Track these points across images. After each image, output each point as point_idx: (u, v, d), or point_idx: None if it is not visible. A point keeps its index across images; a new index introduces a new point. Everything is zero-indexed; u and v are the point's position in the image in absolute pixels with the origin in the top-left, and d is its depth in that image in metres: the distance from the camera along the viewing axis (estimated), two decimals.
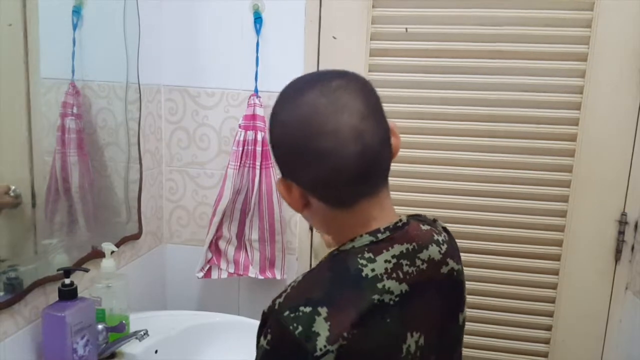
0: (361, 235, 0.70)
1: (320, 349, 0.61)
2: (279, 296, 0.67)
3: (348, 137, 0.64)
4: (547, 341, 1.53)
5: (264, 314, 0.68)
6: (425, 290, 0.71)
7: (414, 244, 0.72)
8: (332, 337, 0.61)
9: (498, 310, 1.54)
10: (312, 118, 0.65)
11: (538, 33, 1.40)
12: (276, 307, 0.66)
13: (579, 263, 1.48)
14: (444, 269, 0.75)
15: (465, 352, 1.56)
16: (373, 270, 0.67)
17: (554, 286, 1.50)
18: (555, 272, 1.50)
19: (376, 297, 0.65)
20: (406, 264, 0.70)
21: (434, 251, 0.74)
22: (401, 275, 0.68)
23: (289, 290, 0.68)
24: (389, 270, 0.67)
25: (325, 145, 0.64)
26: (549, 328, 1.53)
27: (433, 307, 0.73)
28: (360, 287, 0.65)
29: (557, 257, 1.49)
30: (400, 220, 0.73)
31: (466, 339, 1.54)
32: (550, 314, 1.52)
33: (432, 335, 0.72)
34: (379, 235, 0.70)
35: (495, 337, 1.55)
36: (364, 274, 0.66)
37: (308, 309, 0.63)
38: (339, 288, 0.65)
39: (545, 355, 1.54)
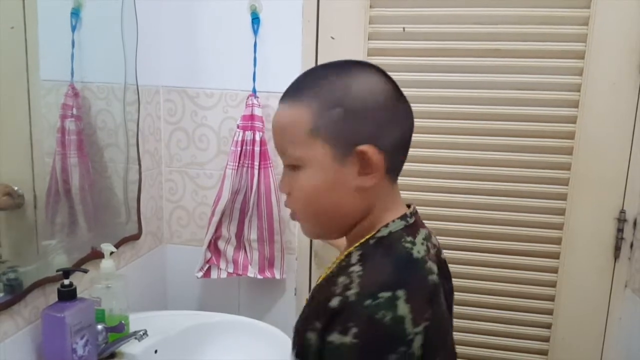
0: (393, 221, 0.72)
1: (409, 333, 0.62)
2: (346, 289, 0.65)
3: (410, 107, 0.74)
4: (546, 339, 1.53)
5: (330, 309, 0.64)
6: (440, 273, 0.74)
7: (426, 229, 0.77)
8: (416, 319, 0.63)
9: (497, 308, 1.54)
10: (391, 83, 0.72)
11: (535, 31, 1.40)
12: (351, 299, 0.63)
13: (578, 261, 1.48)
14: (442, 256, 0.80)
15: (465, 350, 1.58)
16: (418, 252, 0.70)
17: (553, 284, 1.50)
18: (555, 270, 1.50)
19: (430, 277, 0.69)
20: (430, 247, 0.74)
21: (435, 238, 0.79)
22: (431, 256, 0.72)
23: (356, 281, 0.65)
24: (425, 252, 0.71)
25: (404, 107, 0.72)
26: (548, 326, 1.53)
27: (446, 289, 0.76)
28: (419, 268, 0.69)
29: (556, 255, 1.49)
30: (413, 206, 0.78)
31: (466, 337, 1.55)
32: (549, 312, 1.52)
33: (451, 317, 0.78)
34: (408, 219, 0.74)
35: (494, 335, 1.55)
36: (414, 256, 0.69)
37: (387, 294, 0.62)
38: (405, 270, 0.67)
39: (545, 353, 1.54)
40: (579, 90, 1.41)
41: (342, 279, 0.67)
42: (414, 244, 0.70)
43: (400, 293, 0.63)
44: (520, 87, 1.43)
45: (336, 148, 0.69)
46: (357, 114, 0.68)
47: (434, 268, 0.71)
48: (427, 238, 0.75)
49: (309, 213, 0.75)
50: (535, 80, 1.42)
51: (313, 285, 1.60)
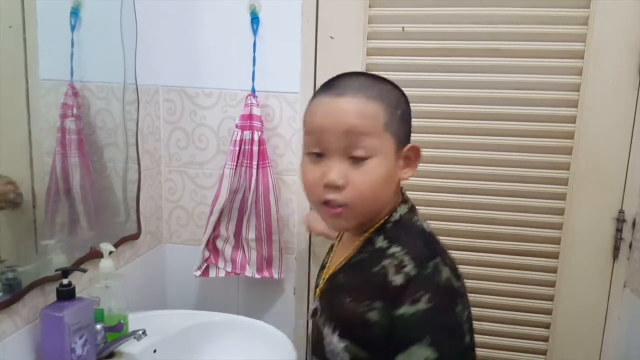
0: (398, 206, 0.85)
1: (458, 287, 0.77)
2: (401, 268, 0.75)
3: None
4: (545, 339, 1.53)
5: (395, 288, 0.74)
6: None
7: None
8: (455, 275, 0.77)
9: (496, 308, 1.54)
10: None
11: (535, 31, 1.40)
12: (412, 273, 0.74)
13: (577, 261, 1.48)
14: None
15: None
16: (428, 226, 0.85)
17: (552, 284, 1.50)
18: (554, 270, 1.50)
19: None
20: None
21: None
22: None
23: (407, 258, 0.76)
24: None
25: None
26: (547, 326, 1.53)
27: None
28: (435, 238, 0.83)
29: (555, 255, 1.49)
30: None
31: None
32: (548, 312, 1.52)
33: None
34: (409, 203, 0.87)
35: (493, 335, 1.55)
36: (427, 230, 0.84)
37: (433, 262, 0.75)
38: (430, 242, 0.81)
39: (544, 352, 1.54)
40: (578, 90, 1.41)
41: (387, 262, 0.77)
42: (421, 221, 0.85)
43: (438, 259, 0.76)
44: (520, 86, 1.43)
45: (396, 143, 0.81)
46: (408, 116, 0.84)
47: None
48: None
49: (365, 202, 0.80)
50: (534, 80, 1.42)
51: (312, 284, 1.61)
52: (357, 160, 0.78)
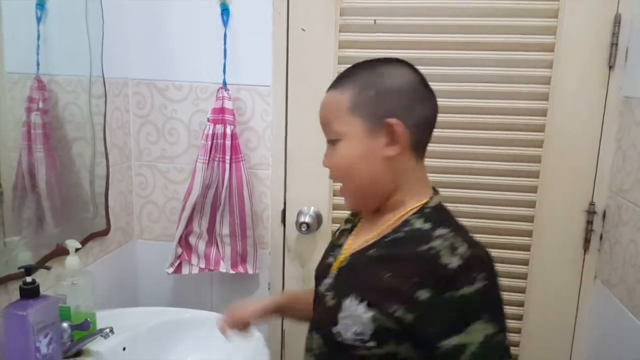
0: (431, 197, 0.88)
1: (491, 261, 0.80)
2: (454, 250, 0.77)
3: (434, 95, 0.88)
4: (517, 331, 1.55)
5: (451, 270, 0.76)
6: None
7: None
8: (489, 264, 0.80)
9: None
10: (419, 74, 0.87)
11: (506, 23, 1.41)
12: (467, 255, 0.77)
13: (548, 253, 1.49)
14: None
15: None
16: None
17: (524, 276, 1.52)
18: (525, 263, 1.51)
19: None
20: None
21: None
22: None
23: (459, 240, 0.79)
24: None
25: (429, 92, 0.87)
26: (519, 318, 1.54)
27: None
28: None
29: (526, 247, 1.50)
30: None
31: None
32: (520, 304, 1.53)
33: None
34: (439, 195, 0.91)
35: None
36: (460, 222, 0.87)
37: (475, 242, 0.80)
38: (466, 233, 0.83)
39: (517, 344, 1.55)
40: (549, 83, 1.42)
41: (437, 243, 0.79)
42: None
43: (472, 244, 0.80)
44: (491, 79, 1.44)
45: (369, 123, 0.83)
46: (387, 94, 0.83)
47: None
48: None
49: (349, 182, 0.89)
50: (505, 73, 1.43)
51: (287, 279, 1.60)
52: (332, 144, 0.87)
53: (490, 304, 0.77)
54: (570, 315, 1.52)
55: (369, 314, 0.80)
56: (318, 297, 0.95)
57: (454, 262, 0.76)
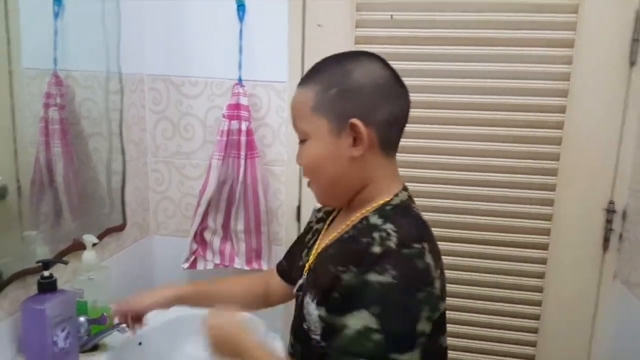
0: (400, 192, 0.87)
1: (434, 276, 0.77)
2: (385, 240, 0.77)
3: (407, 92, 0.87)
4: (535, 330, 1.53)
5: (371, 255, 0.77)
6: None
7: None
8: (435, 266, 0.78)
9: (486, 299, 1.53)
10: (389, 70, 0.84)
11: (524, 19, 1.39)
12: (392, 247, 0.76)
13: (566, 252, 1.47)
14: None
15: (455, 341, 1.57)
16: (422, 215, 0.86)
17: (541, 275, 1.50)
18: (543, 262, 1.49)
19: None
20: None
21: None
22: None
23: (394, 234, 0.78)
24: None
25: (400, 89, 0.85)
26: (537, 317, 1.52)
27: None
28: (429, 228, 0.84)
29: (544, 247, 1.48)
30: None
31: (454, 328, 1.55)
32: (538, 304, 1.51)
33: None
34: (408, 191, 0.89)
35: (480, 326, 1.55)
36: (423, 219, 0.85)
37: (419, 245, 0.77)
38: (423, 229, 0.82)
39: (534, 344, 1.54)
40: (567, 80, 1.39)
41: (376, 234, 0.79)
42: (418, 209, 0.87)
43: (426, 245, 0.78)
44: (509, 76, 1.42)
45: (332, 123, 0.82)
46: (350, 93, 0.81)
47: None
48: None
49: (316, 180, 0.89)
50: (523, 69, 1.41)
51: None
52: (301, 142, 0.87)
53: (385, 302, 0.74)
54: (589, 316, 1.50)
55: (317, 312, 0.83)
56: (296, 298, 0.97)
57: (377, 249, 0.77)
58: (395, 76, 0.85)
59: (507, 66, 1.41)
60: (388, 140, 0.85)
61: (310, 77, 0.86)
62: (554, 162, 1.44)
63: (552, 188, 1.45)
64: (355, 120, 0.80)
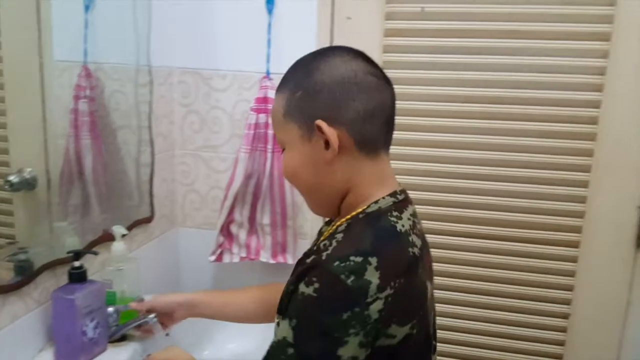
0: (383, 198, 0.77)
1: (372, 296, 0.67)
2: (322, 251, 0.71)
3: (386, 81, 0.78)
4: (564, 329, 1.50)
5: (304, 265, 0.72)
6: (425, 245, 0.82)
7: (414, 206, 0.83)
8: (382, 285, 0.67)
9: (513, 297, 1.51)
10: (361, 62, 0.77)
11: (558, 12, 1.35)
12: (323, 258, 0.70)
13: (598, 250, 1.44)
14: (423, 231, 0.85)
15: (480, 339, 1.55)
16: (403, 225, 0.76)
17: (571, 274, 1.47)
18: (574, 260, 1.46)
19: (410, 250, 0.74)
20: (416, 222, 0.81)
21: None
22: (417, 231, 0.78)
23: (333, 245, 0.72)
24: (411, 227, 0.77)
25: (373, 81, 0.76)
26: (566, 316, 1.49)
27: (430, 262, 0.84)
28: (400, 241, 0.74)
29: (575, 244, 1.45)
30: (400, 185, 0.83)
31: (481, 326, 1.53)
32: (567, 302, 1.49)
33: (432, 286, 0.83)
34: (398, 196, 0.79)
35: (510, 325, 1.52)
36: (398, 229, 0.75)
37: (359, 259, 0.68)
38: (384, 241, 0.72)
39: (563, 343, 1.51)
40: (603, 74, 1.36)
41: (324, 243, 0.74)
42: (400, 218, 0.76)
43: (373, 260, 0.68)
44: (542, 69, 1.39)
45: (302, 127, 0.77)
46: (313, 94, 0.75)
47: (417, 242, 0.77)
48: (414, 214, 0.81)
49: (298, 188, 0.84)
50: (557, 63, 1.38)
51: None
52: (282, 152, 0.83)
53: (302, 316, 0.69)
54: (620, 315, 1.47)
55: (275, 322, 0.79)
56: None
57: (309, 260, 0.72)
58: (367, 68, 0.76)
59: (540, 60, 1.38)
60: (365, 139, 0.76)
61: (282, 82, 0.81)
62: (587, 158, 1.40)
63: (584, 185, 1.42)
64: (319, 122, 0.74)
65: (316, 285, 0.68)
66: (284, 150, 0.82)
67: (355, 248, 0.70)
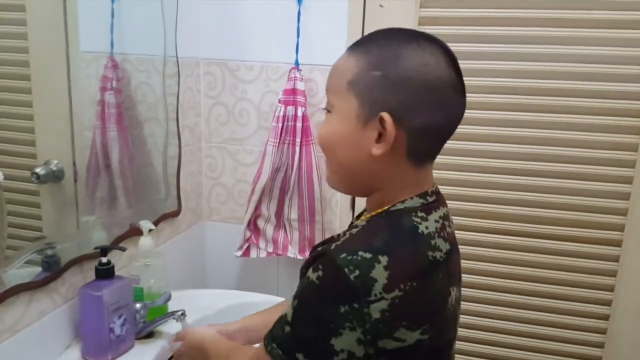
0: (411, 198, 0.74)
1: (375, 295, 0.65)
2: (334, 242, 0.71)
3: (463, 97, 0.73)
4: (603, 331, 1.45)
5: (316, 252, 0.73)
6: (455, 250, 0.78)
7: (447, 207, 0.80)
8: (390, 286, 0.65)
9: (553, 297, 1.46)
10: (453, 70, 0.71)
11: None
12: (332, 248, 0.69)
13: None
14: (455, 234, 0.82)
15: (517, 340, 1.50)
16: (427, 227, 0.72)
17: (613, 273, 1.41)
18: (616, 259, 1.40)
19: (430, 253, 0.71)
20: (447, 225, 0.77)
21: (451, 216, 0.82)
22: (445, 234, 0.75)
23: (345, 236, 0.72)
24: (438, 230, 0.74)
25: (454, 98, 0.71)
26: (606, 317, 1.44)
27: (458, 265, 0.80)
28: (419, 243, 0.71)
29: (618, 243, 1.39)
30: (435, 185, 0.79)
31: (519, 327, 1.48)
32: (608, 303, 1.43)
33: (460, 289, 0.80)
34: (428, 197, 0.76)
35: (549, 326, 1.47)
36: (419, 231, 0.72)
37: (368, 255, 0.66)
38: (399, 241, 0.70)
39: (601, 345, 1.45)
40: None
41: (339, 234, 0.75)
42: (425, 219, 0.73)
43: (383, 259, 0.66)
44: (586, 60, 1.32)
45: (363, 107, 0.71)
46: (393, 83, 0.69)
47: (443, 246, 0.73)
48: (445, 217, 0.77)
49: (328, 158, 0.79)
50: (602, 53, 1.31)
51: None
52: (326, 112, 0.77)
53: (303, 299, 0.71)
54: None
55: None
56: None
57: (321, 248, 0.73)
58: (455, 80, 0.71)
59: (585, 49, 1.31)
60: (419, 150, 0.73)
61: (361, 45, 0.73)
62: (632, 153, 1.34)
63: (628, 181, 1.35)
64: (386, 115, 0.68)
65: (320, 273, 0.68)
66: (328, 111, 0.76)
67: (367, 244, 0.68)
